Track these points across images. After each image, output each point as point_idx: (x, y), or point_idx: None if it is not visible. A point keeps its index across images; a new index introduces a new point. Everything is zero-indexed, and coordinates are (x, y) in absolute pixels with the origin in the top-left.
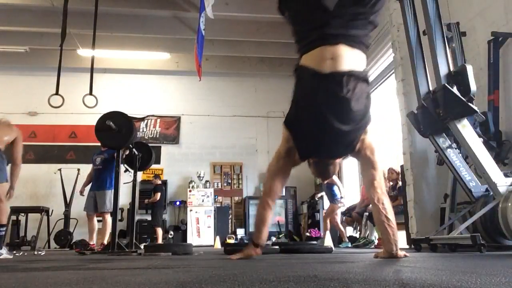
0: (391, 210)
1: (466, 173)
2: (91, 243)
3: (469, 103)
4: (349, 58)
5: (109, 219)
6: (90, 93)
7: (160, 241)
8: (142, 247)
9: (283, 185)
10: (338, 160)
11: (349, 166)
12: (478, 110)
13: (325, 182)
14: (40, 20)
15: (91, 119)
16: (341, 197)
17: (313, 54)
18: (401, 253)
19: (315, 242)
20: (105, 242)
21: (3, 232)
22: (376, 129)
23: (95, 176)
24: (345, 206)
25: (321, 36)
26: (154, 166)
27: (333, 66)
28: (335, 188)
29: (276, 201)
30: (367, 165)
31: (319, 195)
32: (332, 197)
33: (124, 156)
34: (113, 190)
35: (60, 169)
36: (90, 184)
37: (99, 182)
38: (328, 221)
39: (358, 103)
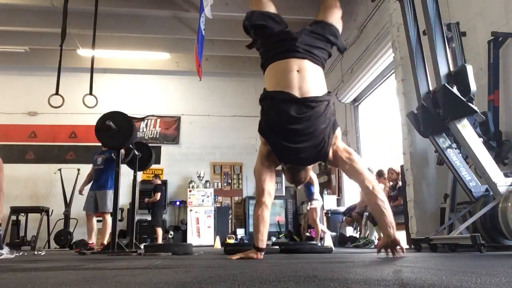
0: (385, 196)
1: (466, 173)
2: (90, 242)
3: (469, 103)
4: (312, 72)
5: (109, 219)
6: (90, 93)
7: (160, 241)
8: (142, 247)
9: (274, 184)
10: (309, 166)
11: None
12: (478, 110)
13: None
14: (40, 20)
15: (91, 119)
16: (316, 199)
17: (281, 63)
18: (399, 238)
19: (315, 242)
20: (105, 242)
21: (1, 232)
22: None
23: (96, 176)
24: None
25: (291, 48)
26: (154, 166)
27: (300, 89)
28: (313, 188)
29: (272, 201)
30: (351, 165)
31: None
32: (310, 196)
33: (123, 157)
34: (112, 190)
35: (60, 169)
36: (90, 184)
37: (101, 182)
38: (318, 221)
39: (321, 118)
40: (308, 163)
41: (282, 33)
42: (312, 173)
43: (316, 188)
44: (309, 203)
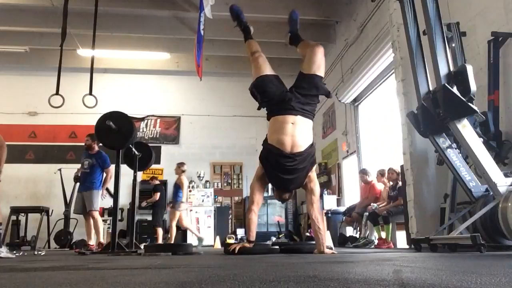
0: (323, 222)
1: (466, 173)
2: (90, 243)
3: (469, 103)
4: (303, 125)
5: (98, 217)
6: (90, 93)
7: (160, 241)
8: (142, 247)
9: (263, 195)
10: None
11: (348, 166)
12: (478, 110)
13: (175, 182)
14: (40, 20)
15: (91, 119)
16: (182, 201)
17: (281, 117)
18: (328, 250)
19: (313, 242)
20: (102, 240)
21: (1, 231)
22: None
23: (82, 178)
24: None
25: (288, 107)
26: (154, 166)
27: (292, 137)
28: (181, 191)
29: (259, 207)
30: (311, 193)
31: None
32: (175, 198)
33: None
34: (99, 190)
35: (60, 169)
36: (78, 186)
37: (86, 183)
38: (173, 226)
39: (302, 164)
40: (288, 189)
41: (281, 95)
42: (184, 178)
43: (184, 192)
44: (176, 206)
